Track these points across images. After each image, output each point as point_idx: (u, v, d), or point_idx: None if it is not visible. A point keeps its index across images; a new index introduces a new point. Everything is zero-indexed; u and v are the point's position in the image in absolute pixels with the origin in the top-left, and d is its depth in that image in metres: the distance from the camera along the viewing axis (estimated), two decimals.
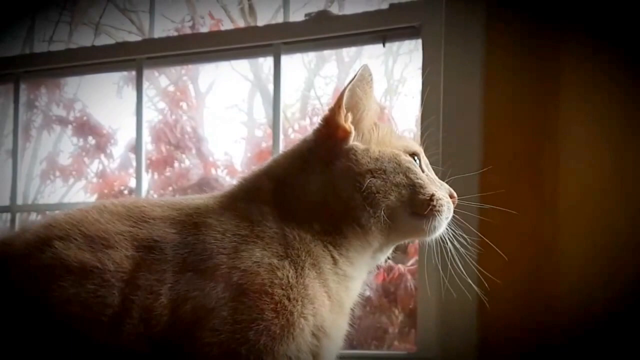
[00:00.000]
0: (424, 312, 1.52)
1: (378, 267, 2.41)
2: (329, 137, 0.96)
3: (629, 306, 1.32)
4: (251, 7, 2.75)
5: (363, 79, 0.97)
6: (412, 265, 2.50)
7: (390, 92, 3.08)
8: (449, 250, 1.00)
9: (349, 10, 2.77)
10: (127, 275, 0.84)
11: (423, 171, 0.99)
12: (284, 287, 0.85)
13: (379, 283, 2.59)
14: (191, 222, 0.90)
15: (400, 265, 2.52)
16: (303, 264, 0.88)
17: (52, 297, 0.83)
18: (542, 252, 1.41)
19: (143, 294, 0.83)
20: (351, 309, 0.97)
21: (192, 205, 0.94)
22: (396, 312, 2.66)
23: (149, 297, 0.83)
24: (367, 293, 2.60)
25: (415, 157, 0.99)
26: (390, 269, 2.52)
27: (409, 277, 2.53)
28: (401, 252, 2.52)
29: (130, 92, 2.79)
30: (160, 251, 0.86)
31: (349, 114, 0.96)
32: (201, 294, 0.83)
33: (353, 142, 0.96)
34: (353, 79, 0.96)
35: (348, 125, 0.96)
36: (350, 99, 0.96)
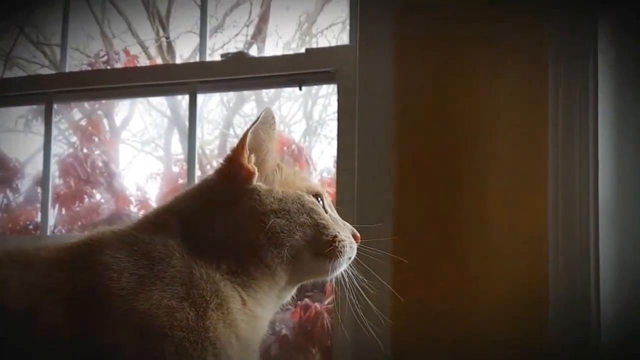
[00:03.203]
0: (340, 351, 1.53)
1: (295, 306, 2.39)
2: (233, 178, 0.96)
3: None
4: (169, 45, 2.75)
5: (266, 121, 0.98)
6: (329, 304, 2.51)
7: (310, 133, 3.13)
8: (356, 290, 1.02)
9: (269, 52, 2.83)
10: (20, 317, 0.81)
11: (326, 212, 1.01)
12: (183, 330, 0.84)
13: (296, 321, 2.58)
14: (83, 262, 0.87)
15: (317, 304, 2.53)
16: (206, 305, 0.87)
17: None
18: (455, 294, 1.45)
19: (43, 336, 0.81)
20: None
21: (83, 242, 0.91)
22: (313, 350, 2.65)
23: (49, 338, 0.81)
24: (284, 331, 2.58)
25: (319, 198, 1.01)
26: (307, 308, 2.51)
27: (326, 315, 2.54)
28: (318, 291, 2.53)
29: (41, 126, 2.70)
30: (54, 296, 0.83)
31: (252, 155, 0.97)
32: (100, 336, 0.82)
33: (256, 182, 0.97)
34: (256, 121, 0.98)
35: (251, 166, 0.97)
36: (253, 140, 0.97)
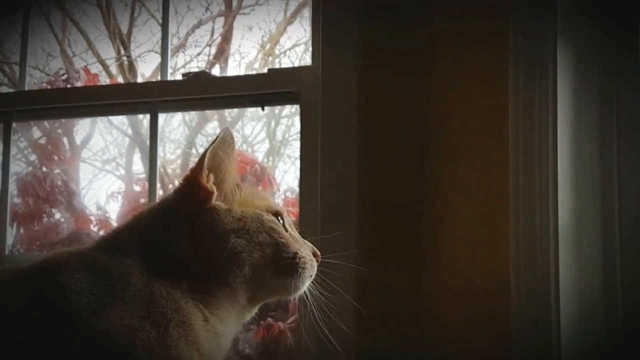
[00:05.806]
0: None
1: (258, 325, 2.39)
2: (191, 197, 0.97)
3: None
4: (131, 64, 2.75)
5: (225, 141, 0.99)
6: (291, 323, 2.50)
7: (273, 153, 3.14)
8: (319, 306, 1.03)
9: (231, 72, 2.84)
10: None
11: (286, 230, 1.02)
12: (145, 349, 0.84)
13: (259, 341, 2.56)
14: (41, 284, 0.87)
15: (280, 323, 2.52)
16: (167, 323, 0.87)
17: None
18: (419, 307, 1.46)
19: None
20: None
21: (40, 264, 0.90)
22: None
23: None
24: (247, 351, 2.56)
25: (279, 217, 1.02)
26: (270, 327, 2.50)
27: (289, 334, 2.53)
28: (282, 310, 2.52)
29: None
30: (13, 320, 0.83)
31: (211, 175, 0.98)
32: (61, 357, 0.81)
33: (215, 202, 0.97)
34: (214, 141, 0.98)
35: (210, 185, 0.97)
36: (212, 160, 0.98)
